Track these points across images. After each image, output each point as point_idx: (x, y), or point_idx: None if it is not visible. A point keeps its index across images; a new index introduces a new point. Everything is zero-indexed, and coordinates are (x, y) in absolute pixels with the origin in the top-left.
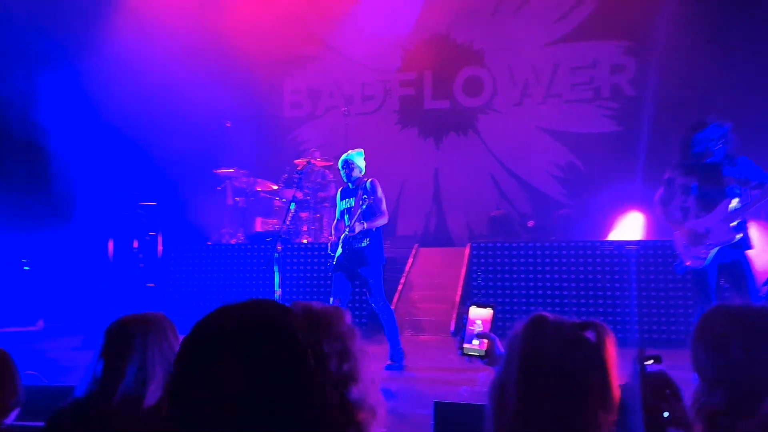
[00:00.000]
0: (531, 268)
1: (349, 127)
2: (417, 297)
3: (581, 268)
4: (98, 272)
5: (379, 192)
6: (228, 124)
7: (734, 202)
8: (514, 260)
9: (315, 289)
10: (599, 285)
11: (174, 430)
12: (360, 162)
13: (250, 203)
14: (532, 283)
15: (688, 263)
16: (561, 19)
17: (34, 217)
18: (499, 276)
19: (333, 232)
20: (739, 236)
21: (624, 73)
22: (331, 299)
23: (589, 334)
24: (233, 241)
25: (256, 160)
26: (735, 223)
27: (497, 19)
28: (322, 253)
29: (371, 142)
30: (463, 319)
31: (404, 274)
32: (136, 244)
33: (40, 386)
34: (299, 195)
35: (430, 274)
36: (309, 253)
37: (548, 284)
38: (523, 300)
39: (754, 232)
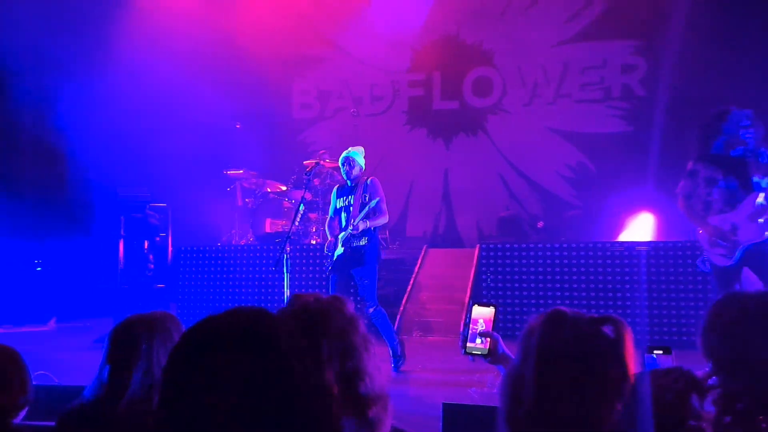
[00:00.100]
0: (540, 269)
1: (358, 128)
2: (426, 298)
3: (591, 269)
4: (109, 273)
5: (380, 191)
6: (238, 126)
7: (761, 197)
8: (524, 261)
9: (324, 290)
10: (609, 286)
11: None
12: (361, 160)
13: (260, 204)
14: (541, 285)
15: (713, 261)
16: (571, 19)
17: (47, 219)
18: (508, 277)
19: (327, 231)
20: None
21: (634, 72)
22: None
23: (607, 329)
24: (243, 242)
25: (266, 161)
26: (762, 219)
27: (506, 20)
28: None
29: (380, 143)
30: (465, 318)
31: (413, 275)
32: (146, 245)
33: (50, 386)
34: (308, 196)
35: (439, 275)
36: (318, 254)
37: (558, 285)
38: (533, 301)
39: None
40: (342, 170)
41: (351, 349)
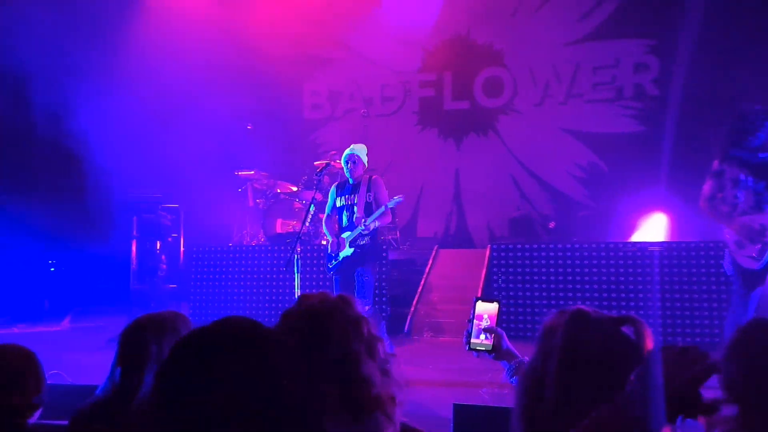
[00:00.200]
0: (552, 269)
1: (368, 128)
2: (437, 299)
3: (603, 270)
4: (122, 273)
5: (385, 189)
6: (249, 127)
7: None
8: (535, 262)
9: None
10: (622, 287)
11: None
12: (364, 157)
13: (271, 205)
14: (553, 285)
15: (740, 262)
16: (582, 18)
17: (60, 220)
18: (519, 278)
19: (326, 229)
20: None
21: (647, 72)
22: None
23: (627, 329)
24: (254, 243)
25: (277, 162)
26: None
27: (517, 19)
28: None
29: (391, 144)
30: (464, 314)
31: (424, 276)
32: (158, 246)
33: (64, 385)
34: (319, 197)
35: (450, 276)
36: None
37: (569, 286)
38: (544, 302)
39: None
40: (345, 168)
41: (352, 353)
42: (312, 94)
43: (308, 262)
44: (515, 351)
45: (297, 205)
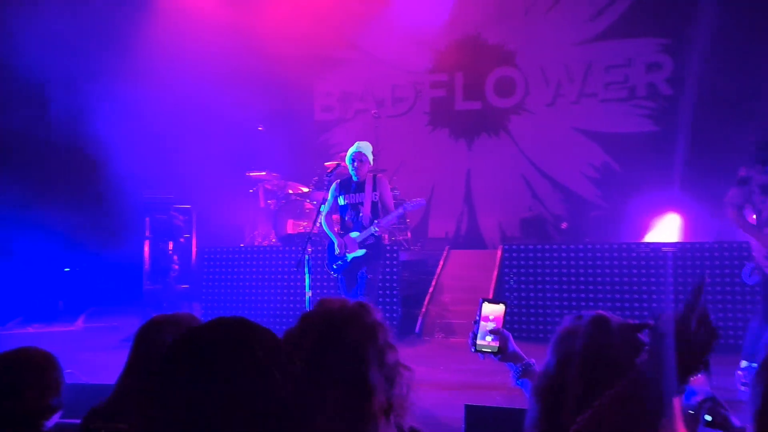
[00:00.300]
0: (564, 270)
1: (379, 129)
2: (448, 300)
3: (616, 271)
4: (135, 273)
5: (389, 189)
6: (260, 128)
7: None
8: (547, 263)
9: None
10: (635, 288)
11: None
12: (371, 156)
13: (282, 206)
14: (565, 286)
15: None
16: (595, 17)
17: (74, 221)
18: (531, 279)
19: (326, 227)
20: None
21: (660, 71)
22: None
23: (644, 336)
24: (265, 243)
25: (288, 163)
26: None
27: (529, 19)
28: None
29: (402, 144)
30: (475, 315)
31: (435, 277)
32: (170, 246)
33: (78, 384)
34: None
35: (462, 277)
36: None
37: (582, 287)
38: (557, 303)
39: None
40: (351, 166)
41: (364, 360)
42: (323, 95)
43: (319, 262)
44: (521, 353)
45: (308, 205)
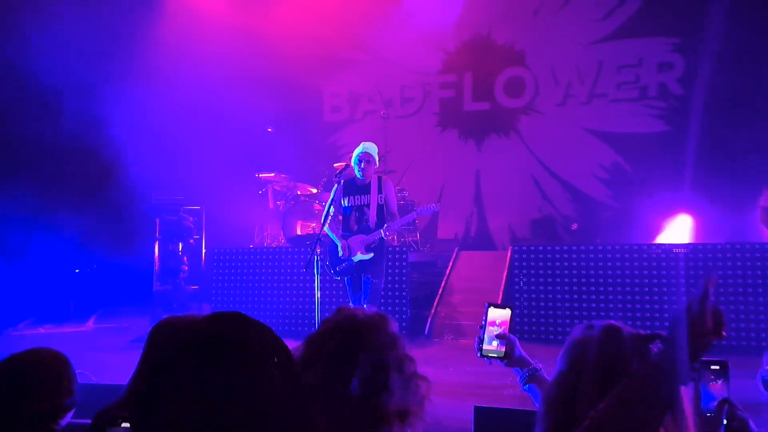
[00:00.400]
0: (575, 271)
1: (388, 130)
2: (457, 301)
3: (627, 272)
4: (145, 274)
5: (394, 191)
6: (269, 130)
7: None
8: (557, 264)
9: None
10: (646, 289)
11: None
12: (377, 156)
13: (291, 207)
14: (576, 287)
15: None
16: (605, 17)
17: (85, 223)
18: (541, 280)
19: (328, 229)
20: None
21: (671, 71)
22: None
23: (655, 346)
24: (274, 244)
25: (297, 164)
26: None
27: (539, 19)
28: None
29: (411, 145)
30: (481, 320)
31: (444, 278)
32: (180, 247)
33: (88, 384)
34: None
35: (471, 278)
36: None
37: (593, 288)
38: (567, 305)
39: None
40: (358, 167)
41: (383, 364)
42: (332, 97)
43: (328, 263)
44: (528, 358)
45: (317, 206)
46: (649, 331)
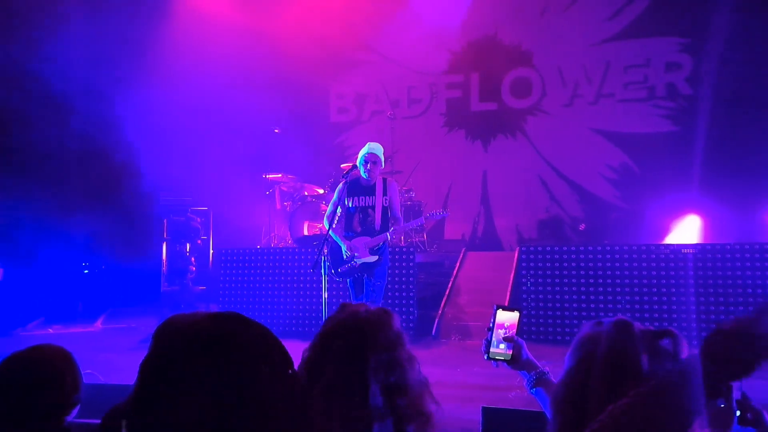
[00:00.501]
0: (583, 272)
1: (395, 130)
2: (464, 301)
3: (635, 273)
4: (153, 275)
5: (398, 194)
6: (276, 131)
7: None
8: (565, 264)
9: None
10: (654, 290)
11: None
12: (383, 157)
13: (298, 207)
14: (584, 288)
15: None
16: (613, 17)
17: (94, 224)
18: (549, 281)
19: (331, 231)
20: None
21: (680, 71)
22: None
23: (665, 343)
24: (281, 245)
25: (304, 165)
26: None
27: (546, 19)
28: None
29: (418, 146)
30: (489, 321)
31: (452, 279)
32: (188, 248)
33: (97, 385)
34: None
35: (478, 279)
36: None
37: (600, 289)
38: (575, 305)
39: None
40: (364, 167)
41: (395, 363)
42: (339, 97)
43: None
44: (535, 361)
45: (324, 207)
46: None
